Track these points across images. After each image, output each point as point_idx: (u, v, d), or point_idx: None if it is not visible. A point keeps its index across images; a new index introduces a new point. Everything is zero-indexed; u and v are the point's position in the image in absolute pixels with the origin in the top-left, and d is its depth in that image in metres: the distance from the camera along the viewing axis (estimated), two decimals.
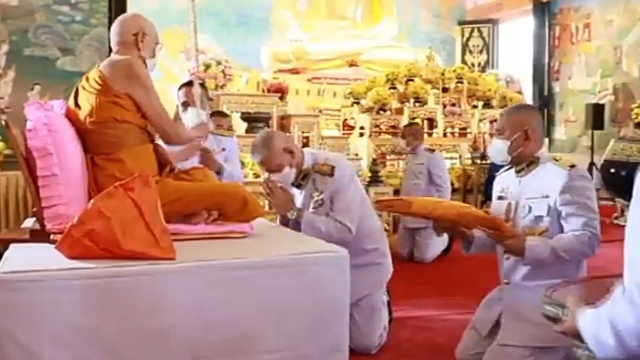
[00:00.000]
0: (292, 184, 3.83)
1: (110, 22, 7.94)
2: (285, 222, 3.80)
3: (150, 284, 2.30)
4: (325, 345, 2.54)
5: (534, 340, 3.01)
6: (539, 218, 3.04)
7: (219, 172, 4.16)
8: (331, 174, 3.70)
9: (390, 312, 4.20)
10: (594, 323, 1.66)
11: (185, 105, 4.30)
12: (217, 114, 5.64)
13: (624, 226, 2.75)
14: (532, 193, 3.09)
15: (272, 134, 3.85)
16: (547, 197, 3.02)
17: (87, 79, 2.96)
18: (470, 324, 3.42)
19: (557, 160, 3.11)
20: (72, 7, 8.02)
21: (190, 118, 4.20)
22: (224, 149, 4.49)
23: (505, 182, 3.30)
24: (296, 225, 3.69)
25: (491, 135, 10.07)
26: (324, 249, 2.72)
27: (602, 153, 11.64)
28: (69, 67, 7.87)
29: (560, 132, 13.38)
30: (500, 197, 3.28)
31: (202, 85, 4.59)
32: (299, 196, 3.86)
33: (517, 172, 3.21)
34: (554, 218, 3.01)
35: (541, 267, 3.05)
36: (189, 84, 4.53)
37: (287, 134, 7.67)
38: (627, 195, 2.65)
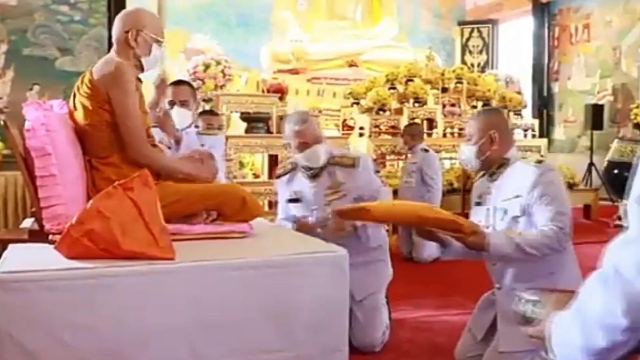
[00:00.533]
0: (310, 174, 3.82)
1: (110, 21, 7.97)
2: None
3: (150, 283, 2.29)
4: (325, 345, 2.53)
5: (531, 343, 3.00)
6: (515, 219, 3.02)
7: (177, 142, 4.11)
8: (355, 165, 3.70)
9: (389, 313, 4.20)
10: (564, 322, 1.41)
11: (172, 104, 4.26)
12: (208, 113, 5.63)
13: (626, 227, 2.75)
14: (505, 195, 3.08)
15: (307, 113, 4.01)
16: (518, 196, 3.01)
17: (82, 81, 2.92)
18: (467, 326, 3.42)
19: (525, 159, 3.13)
20: (71, 7, 8.03)
21: (176, 118, 4.21)
22: (202, 145, 4.38)
23: (481, 187, 3.29)
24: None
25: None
26: (323, 249, 2.71)
27: (601, 153, 11.68)
28: (68, 67, 7.88)
29: (559, 133, 13.38)
30: (477, 204, 3.28)
31: (191, 85, 4.55)
32: (309, 190, 3.85)
33: (490, 176, 3.21)
34: (529, 217, 3.00)
35: (511, 263, 3.05)
36: (178, 82, 4.51)
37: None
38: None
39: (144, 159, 2.84)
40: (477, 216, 3.22)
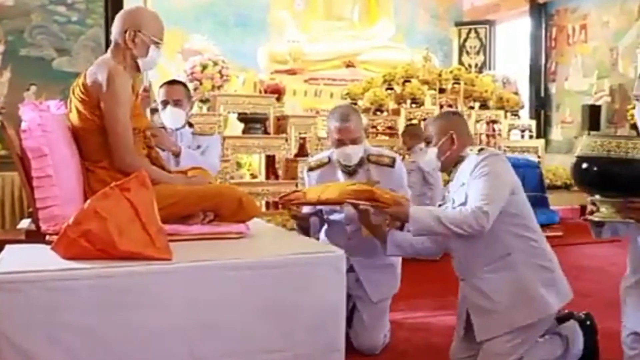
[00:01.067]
0: (347, 170, 3.81)
1: (107, 22, 7.97)
2: (305, 229, 3.80)
3: (147, 284, 2.29)
4: (322, 345, 2.54)
5: (508, 325, 3.04)
6: (461, 206, 3.08)
7: (177, 155, 4.03)
8: (392, 165, 3.74)
9: None
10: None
11: (165, 104, 4.20)
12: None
13: (599, 222, 2.75)
14: (456, 186, 3.21)
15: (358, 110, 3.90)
16: (463, 184, 3.12)
17: (77, 84, 2.90)
18: (456, 327, 3.44)
19: (472, 151, 3.21)
20: (68, 8, 8.02)
21: (169, 118, 4.18)
22: (198, 146, 4.33)
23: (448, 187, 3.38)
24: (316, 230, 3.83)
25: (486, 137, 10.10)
26: (320, 249, 2.72)
27: None
28: (65, 67, 7.87)
29: (556, 133, 13.38)
30: (439, 205, 3.36)
31: (184, 85, 4.46)
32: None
33: (449, 175, 3.35)
34: None
35: (433, 235, 3.20)
36: (172, 82, 4.44)
37: (284, 134, 7.70)
38: (600, 190, 2.67)
39: (127, 168, 2.78)
40: None
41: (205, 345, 2.35)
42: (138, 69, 3.04)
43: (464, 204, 3.06)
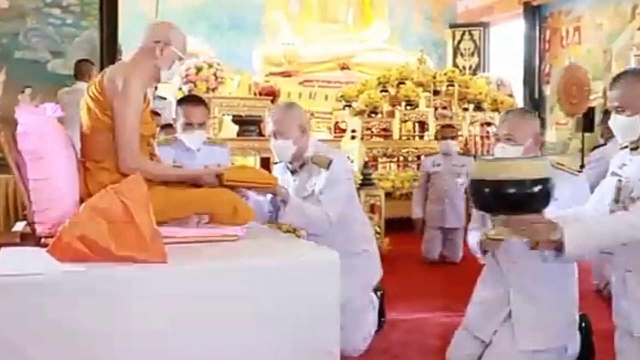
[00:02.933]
0: (288, 168, 3.79)
1: (102, 25, 7.97)
2: (275, 205, 3.72)
3: (142, 287, 2.30)
4: (316, 348, 2.54)
5: (548, 343, 3.09)
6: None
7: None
8: (327, 167, 3.65)
9: (383, 315, 4.20)
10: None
11: (189, 126, 4.12)
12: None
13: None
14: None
15: (296, 105, 3.86)
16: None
17: (93, 82, 2.93)
18: (462, 326, 3.42)
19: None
20: (63, 10, 8.02)
21: (193, 140, 4.13)
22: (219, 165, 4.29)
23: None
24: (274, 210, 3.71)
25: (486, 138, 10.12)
26: (314, 253, 2.73)
27: None
28: (60, 70, 7.86)
29: (550, 135, 13.42)
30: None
31: (205, 104, 4.39)
32: (292, 183, 3.80)
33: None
34: None
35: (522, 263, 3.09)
36: (194, 101, 4.32)
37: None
38: (494, 210, 2.76)
39: (129, 170, 2.79)
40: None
41: (200, 348, 2.35)
42: (157, 79, 3.09)
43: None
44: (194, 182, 3.02)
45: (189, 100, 4.41)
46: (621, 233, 2.63)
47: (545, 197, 2.66)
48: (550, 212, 2.78)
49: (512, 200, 2.62)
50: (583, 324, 3.34)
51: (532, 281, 3.12)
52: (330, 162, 3.64)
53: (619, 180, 2.85)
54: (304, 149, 3.71)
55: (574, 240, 2.61)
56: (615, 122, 2.86)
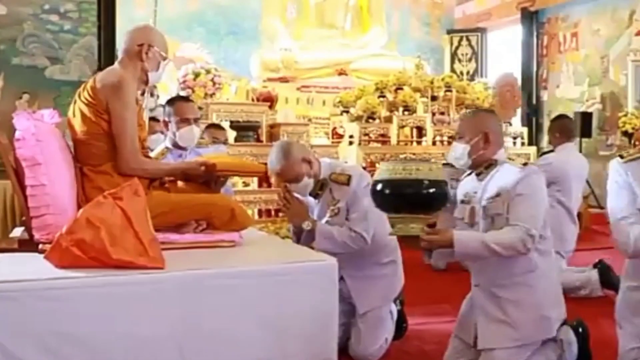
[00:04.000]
0: (310, 194, 3.77)
1: (100, 31, 7.97)
2: (298, 233, 3.75)
3: (139, 293, 2.30)
4: (314, 353, 2.54)
5: (515, 340, 3.05)
6: (495, 217, 3.07)
7: None
8: (347, 183, 3.64)
9: (404, 321, 4.20)
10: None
11: (186, 122, 4.13)
12: (213, 127, 5.72)
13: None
14: (490, 194, 3.13)
15: (290, 144, 3.74)
16: (499, 195, 3.07)
17: (84, 88, 2.95)
18: (454, 332, 3.42)
19: (512, 161, 3.18)
20: (61, 16, 8.02)
21: (189, 137, 4.15)
22: None
23: (467, 186, 3.32)
24: (308, 238, 3.65)
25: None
26: (312, 258, 2.73)
27: (590, 161, 11.70)
28: (58, 76, 7.85)
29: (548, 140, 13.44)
30: (462, 202, 3.30)
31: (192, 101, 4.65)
32: (315, 206, 3.80)
33: (477, 175, 3.26)
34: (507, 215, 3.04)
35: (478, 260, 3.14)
36: (184, 99, 4.62)
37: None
38: (395, 209, 2.88)
39: (133, 172, 2.85)
40: (461, 214, 3.27)
41: (198, 354, 2.35)
42: (146, 82, 3.13)
43: (498, 215, 3.04)
44: (184, 175, 3.06)
45: (178, 98, 4.63)
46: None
47: (441, 198, 2.85)
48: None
49: (410, 199, 2.82)
50: (580, 330, 3.33)
51: (493, 279, 3.13)
52: (349, 178, 3.65)
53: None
54: (318, 175, 3.70)
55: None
56: None
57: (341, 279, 3.63)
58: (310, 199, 3.81)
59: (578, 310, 3.26)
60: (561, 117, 6.28)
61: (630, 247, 2.88)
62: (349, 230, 3.59)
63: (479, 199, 3.18)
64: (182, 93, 8.59)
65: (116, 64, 3.08)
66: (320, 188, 3.74)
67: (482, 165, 3.23)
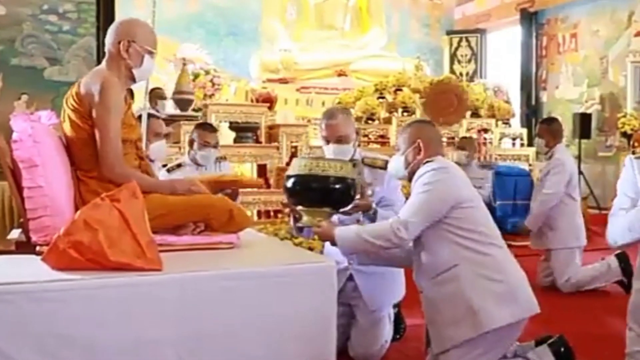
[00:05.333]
0: None
1: (99, 31, 7.96)
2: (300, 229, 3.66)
3: (137, 295, 2.29)
4: (313, 355, 2.53)
5: (451, 339, 2.99)
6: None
7: None
8: (385, 167, 3.61)
9: (402, 322, 4.21)
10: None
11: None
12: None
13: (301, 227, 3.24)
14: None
15: (350, 112, 3.99)
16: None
17: (71, 93, 2.91)
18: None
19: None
20: (60, 17, 8.00)
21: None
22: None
23: None
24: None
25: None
26: (310, 260, 2.72)
27: (589, 162, 11.74)
28: (57, 77, 7.84)
29: None
30: None
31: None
32: None
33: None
34: None
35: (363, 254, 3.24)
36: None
37: (276, 143, 7.70)
38: (303, 201, 3.14)
39: (117, 178, 2.79)
40: None
41: (196, 355, 2.34)
42: (133, 79, 3.06)
43: None
44: (170, 193, 2.93)
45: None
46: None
47: (344, 194, 3.17)
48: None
49: (316, 193, 3.13)
50: (562, 349, 3.22)
51: (423, 282, 3.13)
52: (387, 163, 3.55)
53: None
54: (354, 152, 3.80)
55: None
56: None
57: (349, 278, 3.64)
58: None
59: (584, 304, 3.22)
60: (551, 120, 6.39)
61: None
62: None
63: None
64: None
65: (102, 65, 3.01)
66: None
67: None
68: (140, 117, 4.49)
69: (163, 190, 2.93)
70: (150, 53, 3.03)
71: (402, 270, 3.92)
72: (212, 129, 5.26)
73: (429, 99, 9.86)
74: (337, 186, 3.12)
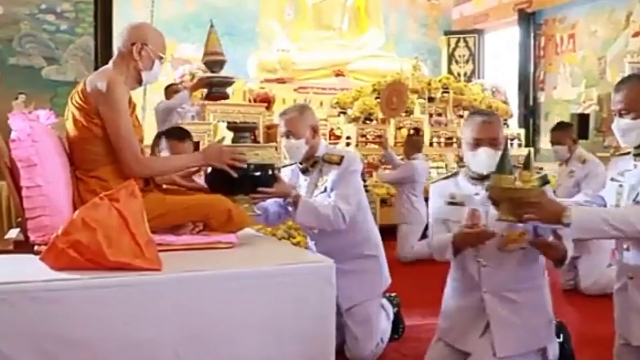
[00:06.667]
0: (300, 168, 3.83)
1: (96, 31, 7.96)
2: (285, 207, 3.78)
3: (136, 294, 2.28)
4: (312, 355, 2.53)
5: (533, 345, 3.05)
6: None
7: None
8: (339, 163, 3.69)
9: (401, 322, 4.23)
10: None
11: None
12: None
13: None
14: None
15: (309, 107, 3.98)
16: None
17: (76, 91, 2.91)
18: (437, 337, 3.35)
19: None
20: (58, 17, 8.01)
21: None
22: None
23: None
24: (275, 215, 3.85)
25: None
26: (309, 260, 2.72)
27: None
28: (54, 76, 7.84)
29: (545, 142, 13.42)
30: (613, 179, 3.07)
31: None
32: (303, 183, 3.83)
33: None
34: None
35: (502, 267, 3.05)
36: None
37: (274, 143, 7.69)
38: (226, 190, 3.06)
39: (141, 174, 2.89)
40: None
41: (195, 356, 2.34)
42: (139, 82, 3.07)
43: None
44: (205, 163, 3.11)
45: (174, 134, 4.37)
46: (620, 220, 2.66)
47: (264, 179, 3.22)
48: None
49: (246, 180, 3.12)
50: (561, 334, 3.28)
51: (506, 283, 3.06)
52: (342, 158, 3.70)
53: (620, 186, 2.91)
54: (315, 149, 3.78)
55: (579, 213, 2.66)
56: (618, 124, 2.95)
57: None
58: (300, 175, 3.87)
59: (592, 307, 3.21)
60: (567, 125, 6.57)
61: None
62: (331, 205, 3.59)
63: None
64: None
65: (109, 64, 3.02)
66: (312, 165, 3.80)
67: None
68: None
69: (195, 163, 3.13)
70: (160, 58, 3.08)
71: (380, 268, 3.93)
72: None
73: (383, 96, 9.87)
74: (257, 173, 3.16)
